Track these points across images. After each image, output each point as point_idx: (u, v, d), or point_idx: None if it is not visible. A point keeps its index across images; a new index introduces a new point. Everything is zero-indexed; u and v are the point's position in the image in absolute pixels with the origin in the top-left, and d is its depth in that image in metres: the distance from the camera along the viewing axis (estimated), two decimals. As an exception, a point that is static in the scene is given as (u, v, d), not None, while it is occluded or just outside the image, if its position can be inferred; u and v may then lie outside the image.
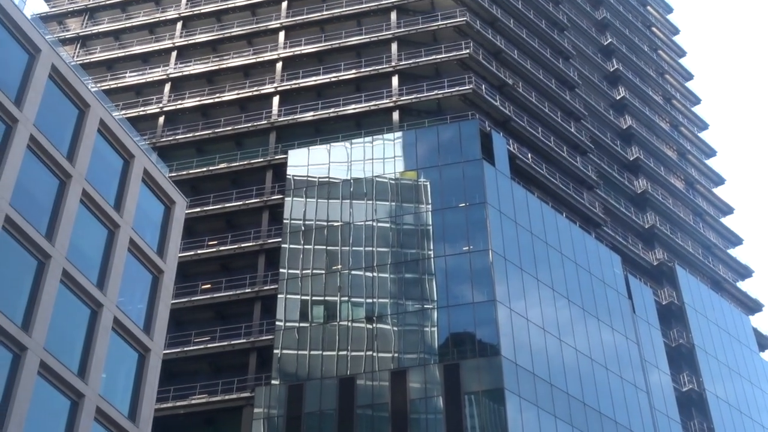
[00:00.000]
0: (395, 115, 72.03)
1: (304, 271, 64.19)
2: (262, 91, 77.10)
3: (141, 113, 77.73)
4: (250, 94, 77.43)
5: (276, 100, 76.32)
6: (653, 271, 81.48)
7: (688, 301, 79.83)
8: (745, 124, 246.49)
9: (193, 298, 66.20)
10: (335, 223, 65.75)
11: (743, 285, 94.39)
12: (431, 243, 63.12)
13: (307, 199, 67.49)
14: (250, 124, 75.26)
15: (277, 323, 62.58)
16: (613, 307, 69.41)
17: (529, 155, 73.28)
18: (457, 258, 62.10)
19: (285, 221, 66.85)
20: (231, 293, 66.34)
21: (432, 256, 62.50)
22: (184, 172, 72.53)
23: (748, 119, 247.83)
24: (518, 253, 63.71)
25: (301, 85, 76.48)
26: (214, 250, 68.87)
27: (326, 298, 63.04)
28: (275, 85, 77.08)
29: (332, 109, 74.03)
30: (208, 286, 67.90)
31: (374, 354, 59.62)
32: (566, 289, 66.03)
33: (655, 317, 74.90)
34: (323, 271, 64.00)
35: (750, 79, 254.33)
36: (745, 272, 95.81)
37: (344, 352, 60.29)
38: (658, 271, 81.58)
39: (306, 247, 65.28)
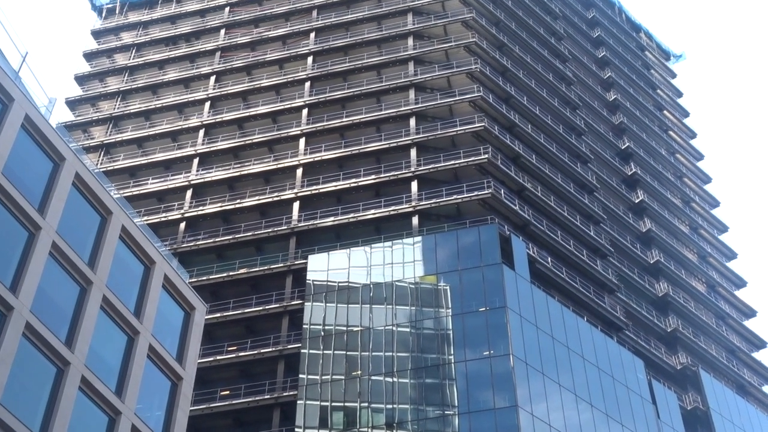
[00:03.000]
0: (415, 220, 72.36)
1: (323, 377, 63.76)
2: (283, 197, 77.78)
3: (162, 219, 78.43)
4: (270, 199, 78.11)
5: (296, 205, 76.91)
6: (677, 375, 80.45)
7: (714, 405, 78.54)
8: (764, 226, 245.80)
9: (211, 405, 65.70)
10: (355, 328, 65.55)
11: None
12: (452, 348, 62.73)
13: (327, 304, 67.43)
14: (270, 230, 75.73)
15: (296, 430, 61.89)
16: (636, 412, 68.37)
17: (549, 259, 73.23)
18: (477, 363, 61.62)
19: (305, 326, 66.71)
20: (250, 399, 65.87)
21: (452, 361, 62.05)
22: (205, 278, 72.77)
23: (766, 217, 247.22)
24: (539, 358, 63.17)
25: (321, 190, 77.15)
26: (234, 356, 68.62)
27: (346, 404, 62.46)
28: (295, 190, 77.80)
29: (352, 214, 74.46)
30: (227, 392, 67.44)
31: (395, 461, 58.73)
32: (589, 393, 65.21)
33: (680, 423, 73.63)
34: (343, 377, 63.56)
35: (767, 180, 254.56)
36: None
37: (364, 460, 59.44)
38: (682, 375, 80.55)
39: (326, 352, 64.96)
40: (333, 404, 62.59)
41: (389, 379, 62.40)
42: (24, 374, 35.52)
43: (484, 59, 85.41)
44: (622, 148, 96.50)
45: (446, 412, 60.04)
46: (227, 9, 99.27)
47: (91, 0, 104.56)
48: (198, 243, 76.56)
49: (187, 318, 47.31)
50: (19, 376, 35.07)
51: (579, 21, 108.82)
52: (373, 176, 76.87)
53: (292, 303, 69.98)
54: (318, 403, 62.78)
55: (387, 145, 78.86)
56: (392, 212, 73.58)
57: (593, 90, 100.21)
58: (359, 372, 63.38)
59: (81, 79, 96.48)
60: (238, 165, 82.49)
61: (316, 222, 74.96)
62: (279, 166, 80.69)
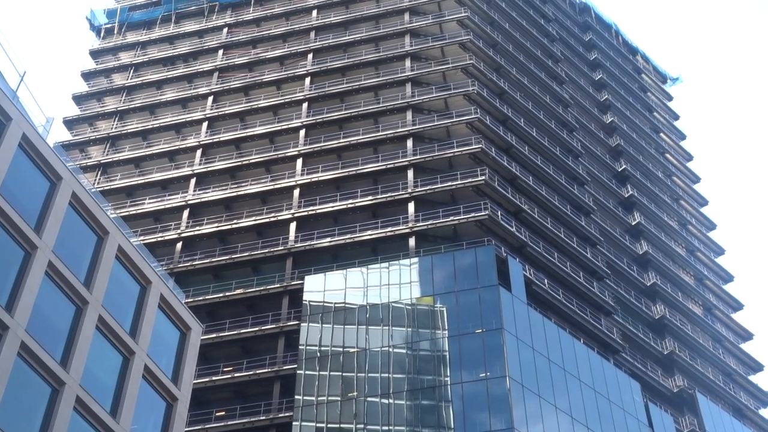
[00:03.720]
0: (411, 241, 72.35)
1: (319, 398, 63.55)
2: (280, 218, 77.77)
3: (159, 239, 78.37)
4: (267, 220, 78.10)
5: (293, 226, 76.91)
6: (673, 398, 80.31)
7: (710, 428, 78.33)
8: (761, 249, 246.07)
9: (207, 426, 65.43)
10: (351, 349, 65.40)
11: (765, 412, 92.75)
12: (448, 369, 62.58)
13: (323, 325, 67.32)
14: (267, 250, 75.68)
15: (291, 451, 61.61)
16: (633, 435, 68.15)
17: (546, 281, 73.21)
18: (474, 384, 61.46)
19: (301, 347, 66.58)
20: (246, 420, 65.58)
21: (449, 382, 61.89)
22: (201, 298, 72.66)
23: (765, 243, 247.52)
24: (536, 380, 63.01)
25: (318, 211, 77.16)
26: (229, 376, 68.43)
27: (342, 425, 62.22)
28: (292, 211, 77.81)
29: (349, 235, 74.44)
30: (223, 413, 67.21)
31: (390, 483, 58.47)
32: (585, 416, 65.03)
33: (677, 446, 73.42)
34: (339, 398, 63.36)
35: (766, 203, 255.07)
36: (767, 399, 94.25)
37: (360, 482, 59.16)
38: (679, 398, 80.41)
39: (322, 373, 64.80)
40: (329, 425, 62.34)
41: (385, 401, 62.23)
42: (19, 394, 35.37)
43: (482, 81, 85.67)
44: (619, 170, 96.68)
45: (442, 434, 59.80)
46: (225, 30, 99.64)
47: (90, 20, 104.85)
48: (194, 263, 76.49)
49: (183, 338, 47.19)
50: (13, 395, 34.94)
51: (576, 43, 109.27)
52: (370, 197, 76.92)
53: (289, 323, 69.87)
54: (314, 424, 62.56)
55: (384, 166, 78.94)
56: (389, 233, 73.58)
57: (590, 112, 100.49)
58: (355, 393, 63.20)
59: (79, 99, 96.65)
60: (235, 185, 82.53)
61: (312, 242, 74.92)
62: (276, 186, 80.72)
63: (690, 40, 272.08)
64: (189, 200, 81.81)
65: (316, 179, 79.84)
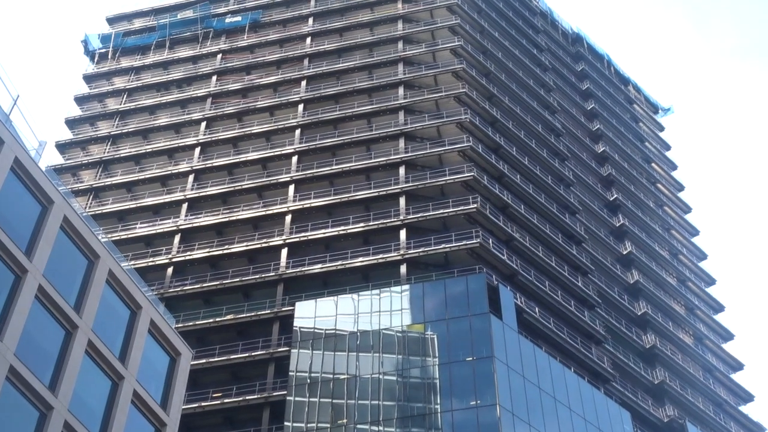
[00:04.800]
0: (403, 268, 72.32)
1: (309, 425, 63.30)
2: (271, 244, 77.77)
3: (150, 264, 78.28)
4: (258, 246, 78.08)
5: (284, 251, 76.87)
6: (664, 427, 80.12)
7: (701, 459, 78.20)
8: (751, 279, 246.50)
9: (195, 452, 65.10)
10: (341, 376, 65.23)
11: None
12: (438, 397, 62.43)
13: (314, 352, 67.16)
14: (257, 276, 75.60)
15: (280, 479, 61.30)
16: (623, 464, 68.00)
17: (537, 309, 73.22)
18: (464, 413, 61.30)
19: (291, 374, 66.38)
20: (234, 447, 65.29)
21: (439, 410, 61.72)
22: (191, 323, 72.47)
23: (755, 273, 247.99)
24: (526, 408, 62.86)
25: (310, 237, 77.16)
26: (219, 402, 68.16)
27: (331, 453, 61.90)
28: (284, 236, 77.80)
29: (340, 262, 74.43)
30: (212, 439, 66.89)
31: None
32: (575, 445, 64.85)
33: (667, 476, 73.21)
34: (329, 425, 63.11)
35: (757, 234, 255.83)
36: (756, 429, 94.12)
37: None
38: (669, 427, 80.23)
39: (311, 399, 64.57)
40: (318, 453, 62.04)
41: (375, 428, 61.99)
42: (6, 418, 35.24)
43: (474, 110, 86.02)
44: (611, 199, 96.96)
45: (432, 463, 59.58)
46: (219, 56, 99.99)
47: (85, 45, 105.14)
48: (185, 288, 76.39)
49: (173, 363, 47.07)
50: (1, 419, 34.81)
51: (568, 73, 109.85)
52: (361, 224, 76.97)
53: (279, 350, 69.72)
54: (303, 451, 62.24)
55: (376, 194, 79.06)
56: (380, 260, 73.57)
57: (582, 141, 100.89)
58: (345, 420, 62.97)
59: (72, 123, 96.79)
60: (227, 211, 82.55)
61: (304, 269, 74.89)
62: (268, 212, 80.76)
63: (681, 71, 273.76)
64: (181, 225, 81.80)
65: (308, 205, 79.91)
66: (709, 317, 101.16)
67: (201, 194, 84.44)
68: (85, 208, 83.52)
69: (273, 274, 75.34)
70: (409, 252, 73.30)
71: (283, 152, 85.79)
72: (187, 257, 78.98)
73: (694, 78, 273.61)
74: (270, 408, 67.01)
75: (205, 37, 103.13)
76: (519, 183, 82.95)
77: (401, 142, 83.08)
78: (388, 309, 68.01)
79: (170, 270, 78.49)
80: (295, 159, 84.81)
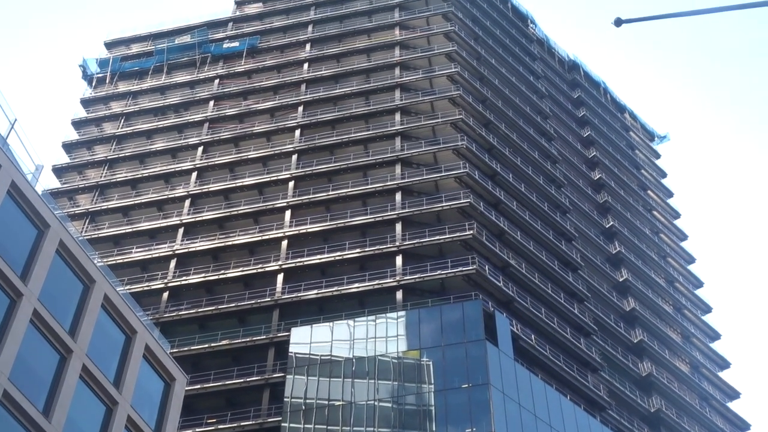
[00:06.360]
0: (399, 295, 72.20)
1: (303, 452, 62.91)
2: (267, 269, 77.64)
3: (146, 288, 78.09)
4: (254, 271, 77.95)
5: (280, 277, 76.74)
6: (660, 456, 79.85)
7: (697, 488, 77.83)
8: (748, 307, 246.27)
9: (189, 478, 64.69)
10: (336, 403, 64.93)
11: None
12: (433, 424, 62.11)
13: (309, 378, 66.89)
14: (253, 301, 75.43)
15: (274, 506, 60.86)
16: (619, 493, 67.63)
17: (533, 336, 73.05)
18: (459, 440, 60.94)
19: (286, 400, 66.07)
20: (228, 473, 64.87)
21: (434, 437, 61.33)
22: (186, 348, 72.23)
23: (751, 301, 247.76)
24: (522, 436, 62.54)
25: (306, 263, 77.05)
26: (213, 428, 67.79)
27: (326, 480, 61.53)
28: (280, 262, 77.68)
29: (336, 288, 74.31)
30: (206, 465, 66.47)
31: None
32: (571, 474, 64.53)
33: (663, 505, 72.81)
34: (323, 452, 62.71)
35: (752, 260, 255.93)
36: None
37: None
38: (665, 456, 79.96)
39: (306, 426, 64.24)
40: (312, 480, 61.66)
41: (370, 455, 61.62)
42: (-1, 443, 35.02)
43: (471, 136, 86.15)
44: (607, 226, 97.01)
45: (427, 490, 59.21)
46: (216, 81, 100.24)
47: (83, 69, 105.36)
48: (180, 313, 76.16)
49: (167, 389, 46.85)
50: (-6, 445, 34.62)
51: (564, 100, 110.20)
52: (358, 250, 76.90)
53: (274, 376, 69.46)
54: (297, 478, 61.85)
55: (372, 219, 79.02)
56: (376, 286, 73.41)
57: (578, 168, 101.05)
58: (340, 447, 62.58)
59: (69, 147, 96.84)
60: (223, 236, 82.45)
61: (299, 294, 74.72)
62: (264, 237, 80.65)
63: (678, 99, 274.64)
64: (176, 250, 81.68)
65: (305, 231, 79.85)
66: (705, 345, 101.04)
67: (197, 219, 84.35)
68: (81, 232, 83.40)
69: (269, 299, 75.19)
70: (405, 278, 73.18)
71: (279, 177, 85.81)
72: (183, 282, 78.83)
73: (689, 105, 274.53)
74: (265, 434, 66.64)
75: (202, 62, 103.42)
76: (515, 209, 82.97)
77: (398, 168, 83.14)
78: (383, 335, 67.83)
79: (165, 295, 78.31)
80: (291, 184, 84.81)
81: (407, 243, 75.87)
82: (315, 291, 74.56)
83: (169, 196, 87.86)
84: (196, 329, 75.50)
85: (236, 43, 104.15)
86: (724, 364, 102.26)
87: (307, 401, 65.62)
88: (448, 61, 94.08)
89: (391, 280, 73.39)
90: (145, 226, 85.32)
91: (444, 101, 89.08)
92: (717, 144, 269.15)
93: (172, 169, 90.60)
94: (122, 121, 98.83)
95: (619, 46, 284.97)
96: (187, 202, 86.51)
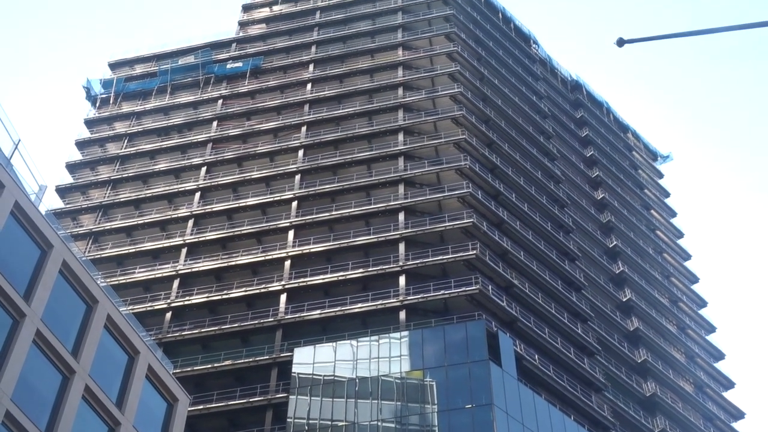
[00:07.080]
0: (402, 315, 72.09)
1: (306, 473, 62.66)
2: (270, 289, 77.60)
3: (149, 308, 78.05)
4: (257, 291, 77.91)
5: (283, 297, 76.68)
6: (664, 477, 79.46)
7: None
8: (752, 326, 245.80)
9: (192, 499, 64.39)
10: (339, 423, 64.74)
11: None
12: (437, 445, 61.85)
13: (312, 398, 66.72)
14: (256, 322, 75.34)
15: None
16: None
17: (536, 356, 72.88)
18: (463, 461, 60.69)
19: (289, 420, 65.88)
20: (231, 495, 64.61)
21: (438, 458, 61.10)
22: (189, 369, 72.11)
23: (753, 318, 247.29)
24: (526, 457, 62.31)
25: (309, 283, 76.99)
26: (216, 449, 67.57)
27: (329, 501, 61.27)
28: (283, 282, 77.63)
29: (339, 308, 74.23)
30: (208, 486, 66.23)
31: None
32: (575, 495, 64.23)
33: None
34: (326, 473, 62.48)
35: (756, 280, 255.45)
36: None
37: None
38: (670, 477, 79.57)
39: (309, 447, 63.99)
40: (315, 501, 61.39)
41: (373, 476, 61.38)
42: (1, 464, 34.94)
43: (474, 156, 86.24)
44: (610, 246, 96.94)
45: None
46: (220, 101, 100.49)
47: (87, 89, 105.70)
48: (183, 333, 76.08)
49: (170, 409, 46.77)
50: (-4, 466, 34.54)
51: (567, 120, 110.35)
52: (361, 270, 76.86)
53: (277, 396, 69.29)
54: (300, 499, 61.59)
55: (375, 239, 79.01)
56: (379, 306, 73.32)
57: (581, 188, 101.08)
58: (343, 468, 62.35)
59: (72, 167, 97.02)
60: (226, 256, 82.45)
61: (302, 314, 74.64)
62: (267, 257, 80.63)
63: (681, 118, 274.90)
64: (180, 270, 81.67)
65: (308, 251, 79.83)
66: (709, 365, 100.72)
67: (200, 239, 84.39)
68: (85, 252, 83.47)
69: (272, 319, 75.11)
70: (408, 298, 73.11)
71: (282, 197, 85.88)
72: (186, 302, 78.79)
73: (692, 124, 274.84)
74: (268, 455, 66.44)
75: (206, 82, 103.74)
76: (518, 229, 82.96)
77: (401, 188, 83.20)
78: (387, 355, 67.68)
79: (169, 315, 78.25)
80: (294, 204, 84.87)
81: (410, 263, 75.83)
82: (318, 311, 74.48)
83: (172, 216, 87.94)
84: (198, 349, 75.40)
85: (239, 64, 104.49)
86: (729, 384, 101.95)
87: (310, 422, 65.43)
88: (451, 82, 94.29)
89: (394, 300, 73.31)
90: (148, 246, 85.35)
91: (447, 121, 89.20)
92: (721, 163, 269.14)
93: (175, 190, 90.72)
94: (125, 141, 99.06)
95: (622, 66, 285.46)
96: (190, 223, 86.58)
